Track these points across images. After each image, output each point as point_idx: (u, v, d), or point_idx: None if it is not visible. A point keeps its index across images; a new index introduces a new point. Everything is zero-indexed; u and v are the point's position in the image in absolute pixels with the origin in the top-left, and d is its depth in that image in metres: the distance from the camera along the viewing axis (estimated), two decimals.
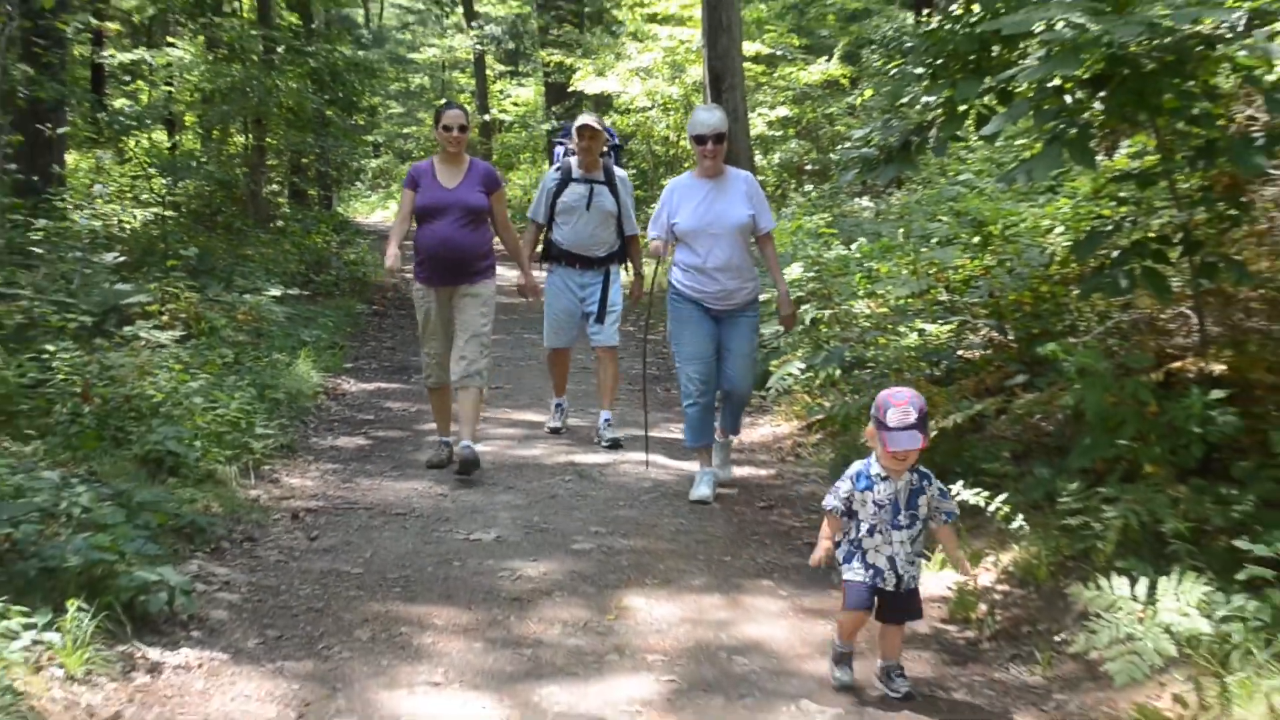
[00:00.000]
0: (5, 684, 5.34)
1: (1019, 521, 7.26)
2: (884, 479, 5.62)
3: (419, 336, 10.25)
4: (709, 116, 9.37)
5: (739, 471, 10.36)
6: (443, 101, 11.90)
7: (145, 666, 6.25)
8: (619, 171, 11.21)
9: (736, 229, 9.18)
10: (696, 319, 9.28)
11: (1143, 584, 5.69)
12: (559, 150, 11.50)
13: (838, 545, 5.80)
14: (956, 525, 6.20)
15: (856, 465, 5.83)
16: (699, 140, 9.28)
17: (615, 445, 11.10)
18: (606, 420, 11.32)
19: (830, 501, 5.77)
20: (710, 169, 9.34)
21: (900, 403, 5.44)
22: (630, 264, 11.59)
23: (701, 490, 9.51)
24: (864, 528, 5.66)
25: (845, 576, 5.69)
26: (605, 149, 11.20)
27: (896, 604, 5.72)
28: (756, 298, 9.53)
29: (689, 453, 10.26)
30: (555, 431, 11.77)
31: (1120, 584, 5.71)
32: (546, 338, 11.50)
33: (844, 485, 5.73)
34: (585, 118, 11.23)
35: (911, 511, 5.62)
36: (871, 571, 5.62)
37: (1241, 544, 5.81)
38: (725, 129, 9.30)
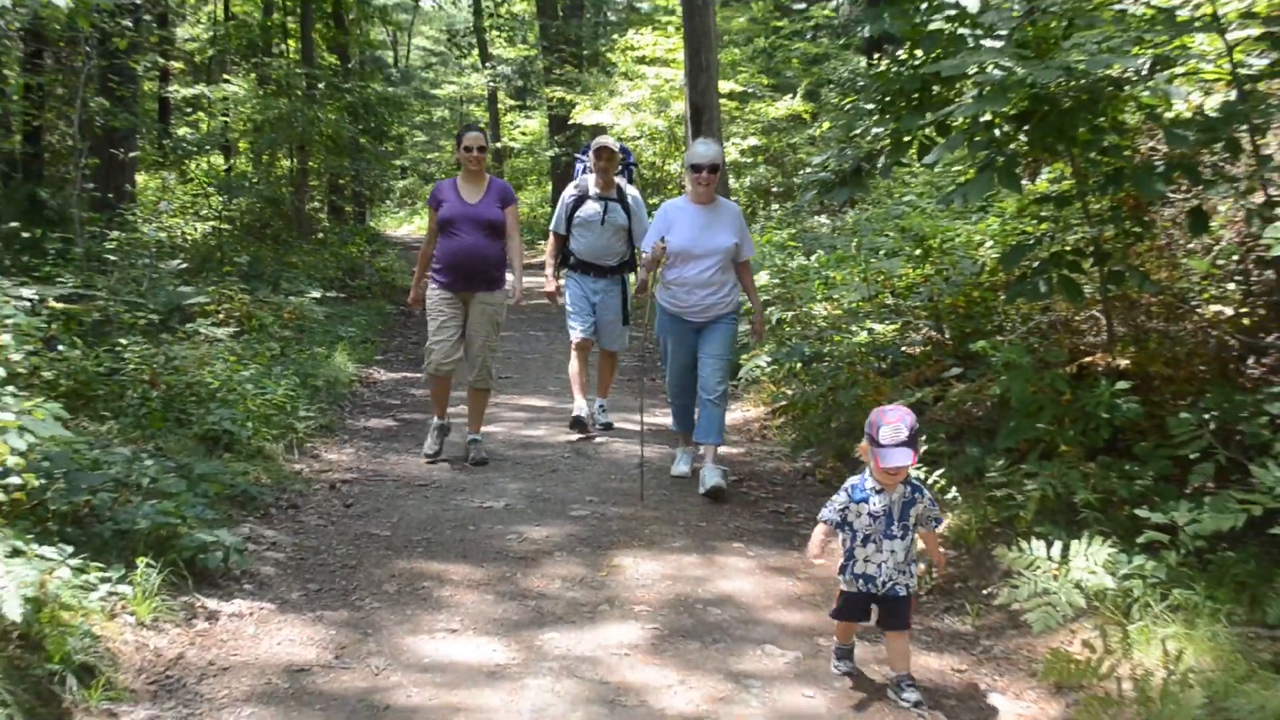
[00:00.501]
0: (85, 629, 5.36)
1: (953, 493, 7.30)
2: (878, 492, 5.32)
3: (430, 333, 9.73)
4: (707, 150, 9.16)
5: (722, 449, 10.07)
6: (465, 124, 11.42)
7: (204, 615, 6.30)
8: (631, 190, 10.98)
9: (721, 253, 8.89)
10: (680, 331, 9.15)
11: (1057, 546, 5.72)
12: (579, 167, 11.25)
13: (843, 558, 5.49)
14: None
15: (852, 479, 5.53)
16: (695, 169, 8.98)
17: (608, 427, 11.03)
18: (601, 406, 11.27)
19: (826, 514, 5.47)
20: (703, 195, 9.03)
21: (892, 420, 5.19)
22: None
23: (680, 468, 9.59)
24: (858, 538, 5.35)
25: (841, 587, 5.45)
26: (620, 168, 10.95)
27: (887, 610, 5.41)
28: (735, 309, 9.24)
29: (672, 436, 10.20)
30: (581, 428, 11.06)
31: (1038, 546, 5.75)
32: (572, 328, 11.06)
33: (840, 498, 5.43)
34: (603, 140, 11.09)
35: (904, 522, 5.32)
36: (862, 580, 5.34)
37: (1142, 513, 5.85)
38: (720, 162, 9.06)
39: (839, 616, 5.50)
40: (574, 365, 11.08)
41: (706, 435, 9.08)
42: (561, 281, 11.31)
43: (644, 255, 9.24)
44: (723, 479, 8.98)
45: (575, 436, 10.98)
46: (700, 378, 9.13)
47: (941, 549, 7.70)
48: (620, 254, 10.93)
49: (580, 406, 11.05)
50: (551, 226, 11.28)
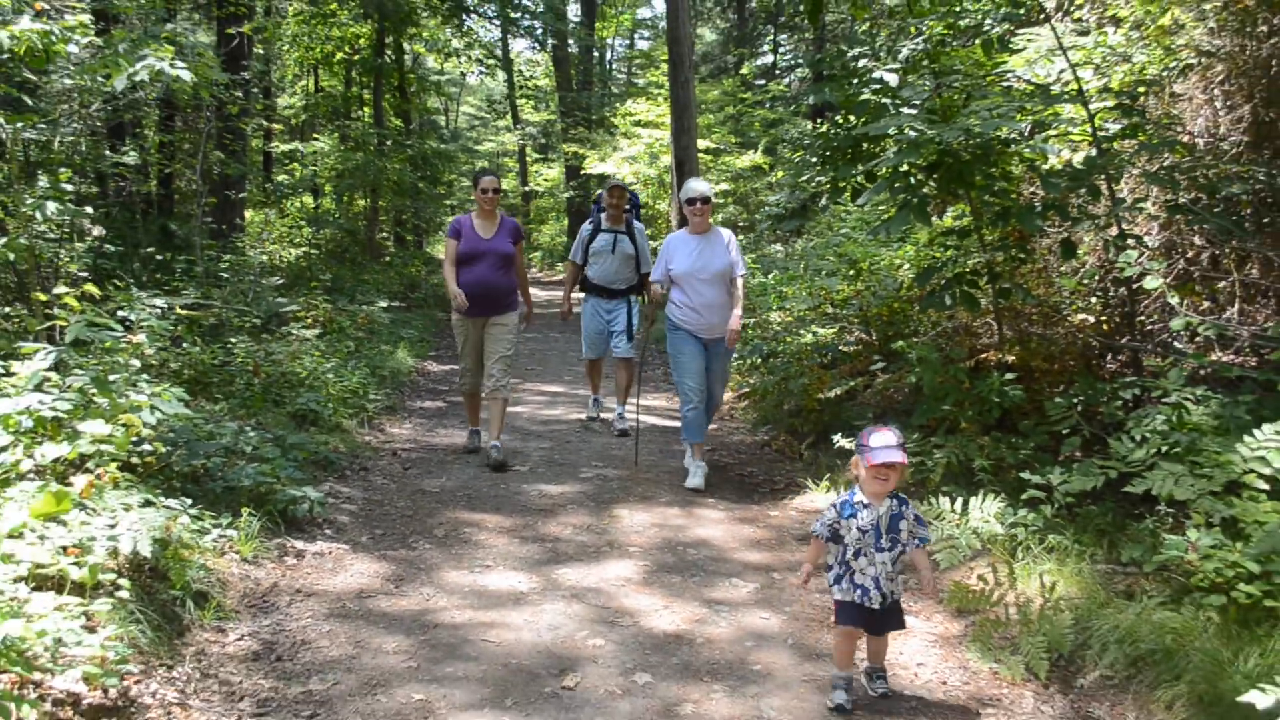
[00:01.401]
0: (200, 563, 5.35)
1: None
2: (866, 506, 4.57)
3: (458, 355, 9.12)
4: (699, 186, 8.41)
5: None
6: (480, 166, 10.35)
7: (293, 553, 6.29)
8: (638, 224, 10.30)
9: (719, 274, 8.07)
10: (691, 345, 8.18)
11: (959, 502, 5.71)
12: (595, 206, 10.50)
13: (828, 569, 4.73)
14: (929, 551, 5.08)
15: (841, 495, 4.75)
16: (690, 202, 8.23)
17: (624, 435, 10.03)
18: (620, 414, 10.31)
19: (817, 527, 4.69)
20: (699, 225, 8.24)
21: (881, 430, 4.58)
22: (645, 294, 10.14)
23: (695, 480, 8.19)
24: (850, 551, 4.59)
25: (836, 596, 4.64)
26: (628, 206, 10.25)
27: (882, 619, 4.65)
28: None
29: (674, 439, 9.55)
30: (592, 419, 10.67)
31: (944, 502, 5.74)
32: (584, 351, 10.46)
33: (829, 514, 4.64)
34: (616, 181, 10.65)
35: (893, 535, 4.57)
36: (859, 591, 4.56)
37: (1025, 476, 5.83)
38: (711, 195, 8.38)
39: (841, 622, 4.69)
40: (590, 373, 10.77)
41: (696, 435, 8.38)
42: (578, 299, 10.55)
43: (654, 286, 8.52)
44: (703, 479, 8.24)
45: (591, 415, 10.73)
46: (710, 391, 8.42)
47: (929, 580, 7.76)
48: (628, 279, 10.17)
49: (595, 400, 10.80)
50: (570, 256, 10.56)
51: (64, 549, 4.23)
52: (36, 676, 3.89)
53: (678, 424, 9.32)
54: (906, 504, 4.67)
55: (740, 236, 19.74)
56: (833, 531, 4.61)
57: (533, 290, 9.84)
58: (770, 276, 12.24)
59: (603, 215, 10.12)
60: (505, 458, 8.76)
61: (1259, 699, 3.49)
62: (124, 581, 4.54)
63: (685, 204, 8.31)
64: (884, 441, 4.51)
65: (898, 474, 4.57)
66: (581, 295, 10.53)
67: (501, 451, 8.77)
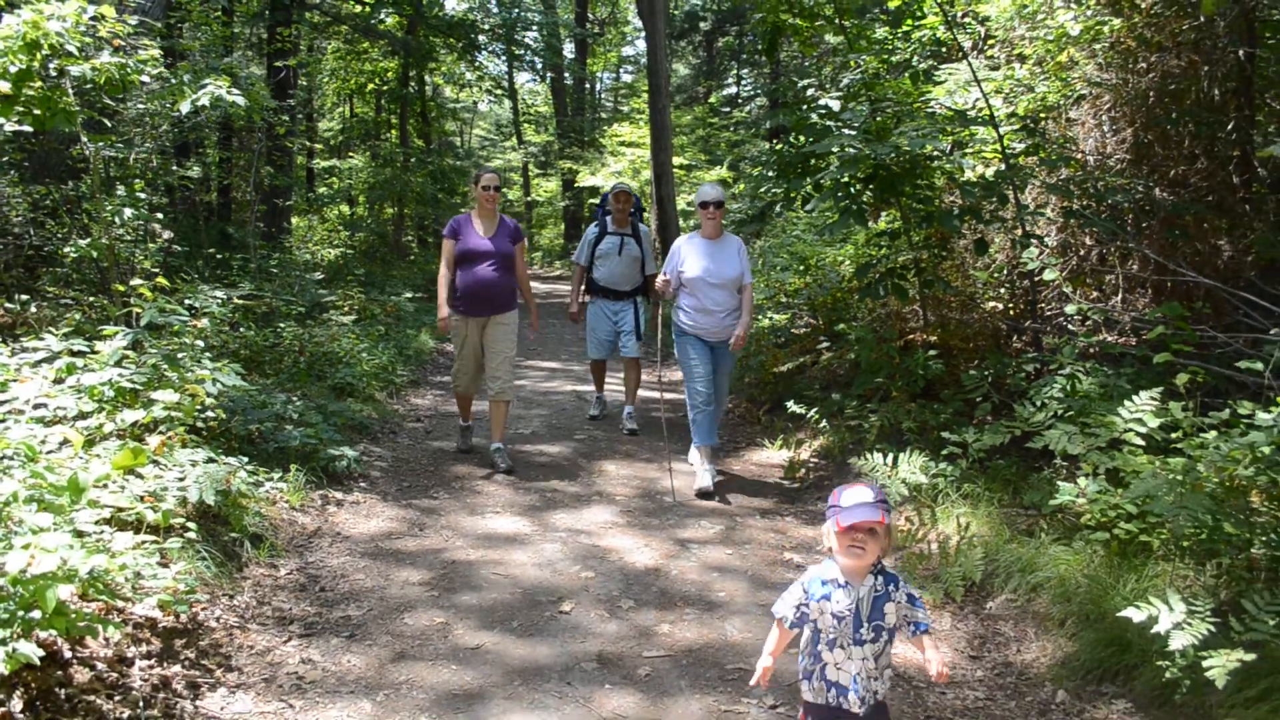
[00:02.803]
0: (255, 511, 5.35)
1: (823, 423, 7.31)
2: (842, 586, 3.04)
3: (455, 357, 7.66)
4: (713, 190, 7.20)
5: (672, 395, 9.97)
6: (482, 167, 8.07)
7: (334, 502, 6.29)
8: (642, 227, 9.02)
9: (730, 281, 6.99)
10: (699, 348, 7.08)
11: (890, 457, 5.74)
12: (599, 210, 9.23)
13: (801, 660, 3.17)
14: (934, 636, 3.46)
15: (811, 570, 3.14)
16: (704, 205, 7.07)
17: (633, 434, 8.75)
18: (629, 413, 8.96)
19: (779, 608, 3.12)
20: (712, 229, 7.09)
21: (854, 485, 3.07)
22: (650, 296, 8.89)
23: (704, 481, 6.99)
24: (822, 639, 3.08)
25: (805, 696, 3.13)
26: (633, 210, 9.00)
27: None
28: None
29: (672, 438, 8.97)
30: (594, 418, 9.30)
31: (878, 457, 5.76)
32: (589, 351, 9.14)
33: (794, 591, 3.09)
34: (621, 185, 9.14)
35: (876, 622, 3.03)
36: (834, 690, 3.04)
37: (945, 435, 5.87)
38: (724, 199, 7.19)
39: None
40: (595, 373, 9.46)
41: (708, 438, 7.19)
42: (584, 300, 9.12)
43: (660, 280, 7.27)
44: (713, 479, 7.05)
45: (593, 414, 9.37)
46: (716, 392, 7.28)
47: (806, 452, 7.80)
48: (634, 280, 8.87)
49: (599, 399, 9.52)
50: (575, 258, 9.29)
51: (141, 497, 4.24)
52: (119, 604, 3.91)
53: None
54: (895, 581, 3.09)
55: None
56: (801, 615, 3.08)
57: (533, 284, 9.26)
58: None
59: (608, 218, 8.92)
60: (513, 464, 7.43)
61: (1134, 614, 3.55)
62: (192, 525, 4.55)
63: (700, 207, 7.15)
64: (858, 498, 3.02)
65: (880, 541, 3.02)
66: (588, 298, 9.28)
67: (508, 455, 7.50)
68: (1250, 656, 3.32)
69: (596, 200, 9.70)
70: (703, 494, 6.88)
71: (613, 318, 8.92)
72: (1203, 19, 6.72)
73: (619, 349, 9.03)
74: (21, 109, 5.87)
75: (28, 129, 6.05)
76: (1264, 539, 4.04)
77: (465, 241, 7.26)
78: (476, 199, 7.43)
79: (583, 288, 9.07)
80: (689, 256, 7.09)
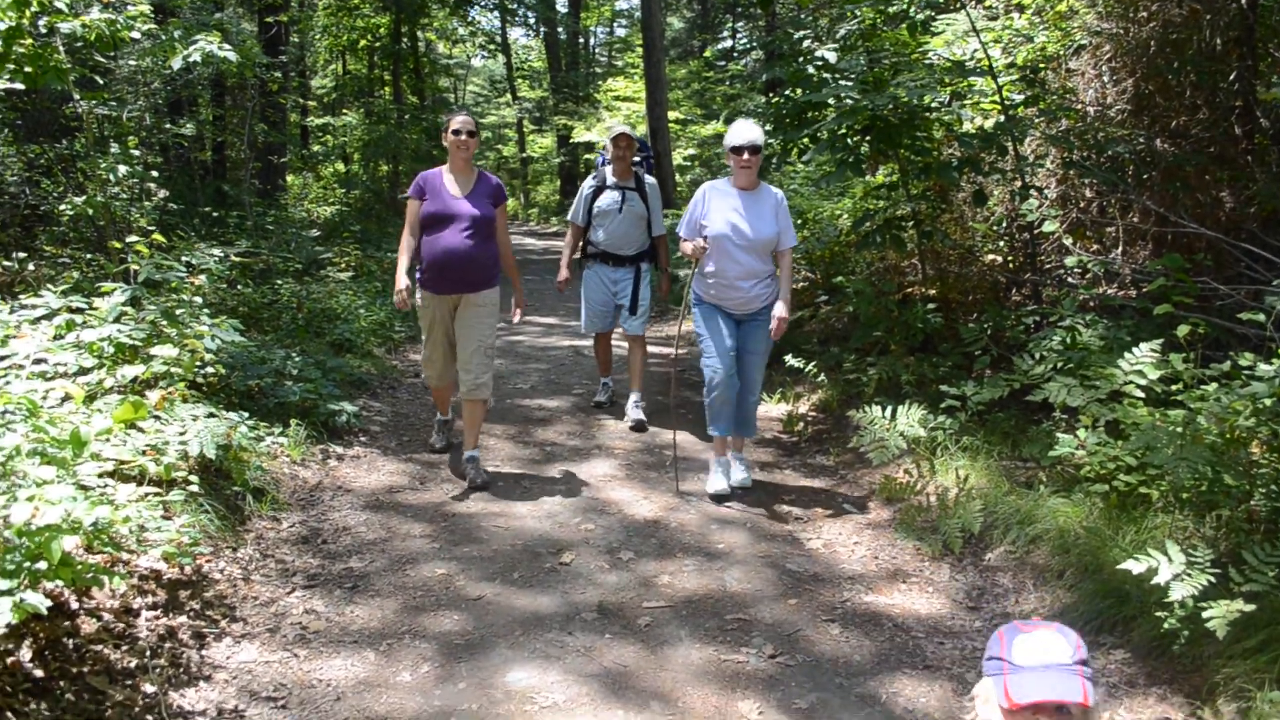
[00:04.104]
0: (257, 465, 5.36)
1: (821, 377, 7.31)
2: None
3: (422, 342, 6.32)
4: (747, 129, 5.68)
5: (669, 350, 9.96)
6: (454, 109, 6.73)
7: (334, 456, 6.30)
8: (649, 179, 7.49)
9: (764, 242, 5.66)
10: (719, 320, 5.83)
11: (889, 410, 5.74)
12: (600, 159, 7.74)
13: None
14: None
15: None
16: (736, 151, 5.64)
17: (640, 427, 7.36)
18: (635, 401, 7.56)
19: None
20: (746, 179, 5.69)
21: (1031, 627, 1.92)
22: (658, 262, 7.67)
23: (716, 483, 5.91)
24: None
25: None
26: (638, 158, 7.50)
27: None
28: (774, 302, 5.78)
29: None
30: (600, 405, 7.89)
31: (876, 410, 5.76)
32: (585, 324, 7.72)
33: None
34: (621, 127, 7.41)
35: None
36: None
37: (943, 388, 5.88)
38: (762, 143, 5.73)
39: None
40: (598, 350, 8.03)
41: (742, 428, 6.06)
42: (568, 274, 7.63)
43: (686, 243, 5.80)
44: (748, 472, 6.08)
45: (599, 400, 7.96)
46: (744, 376, 5.94)
47: (804, 405, 7.85)
48: (639, 243, 7.44)
49: (605, 385, 8.03)
50: (569, 217, 7.76)
51: (143, 450, 4.24)
52: (124, 556, 3.92)
53: None
54: None
55: None
56: None
57: (528, 240, 9.07)
58: None
59: (608, 169, 7.42)
60: (488, 478, 6.04)
61: (1134, 566, 3.57)
62: (194, 478, 4.55)
63: (731, 152, 5.73)
64: (1045, 654, 1.89)
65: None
66: (585, 264, 7.80)
67: (482, 468, 6.09)
68: (1250, 607, 3.35)
69: (594, 156, 7.61)
70: (718, 498, 5.84)
71: (611, 287, 7.53)
72: None
73: (621, 324, 7.65)
74: (13, 67, 5.80)
75: (19, 87, 5.98)
76: (1264, 490, 4.06)
77: (435, 202, 5.84)
78: (449, 149, 5.90)
79: (575, 254, 7.71)
80: (715, 208, 5.75)
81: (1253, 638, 3.45)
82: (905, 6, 7.35)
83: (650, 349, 7.37)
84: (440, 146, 6.19)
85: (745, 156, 5.65)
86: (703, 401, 6.06)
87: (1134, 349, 4.98)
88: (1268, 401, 4.09)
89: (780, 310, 5.70)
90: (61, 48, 6.34)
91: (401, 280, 5.83)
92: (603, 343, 7.94)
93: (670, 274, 7.24)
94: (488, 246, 5.93)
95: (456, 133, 5.85)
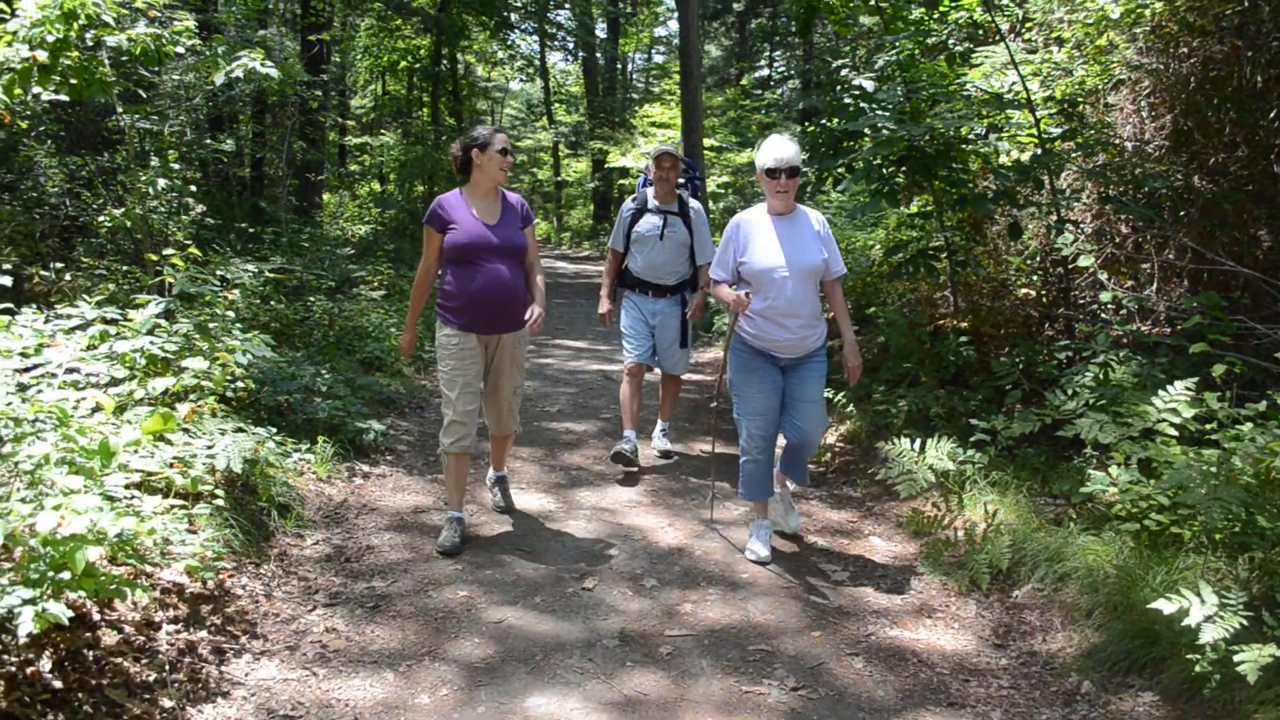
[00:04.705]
0: (283, 481, 5.38)
1: (850, 407, 7.25)
2: None
3: (443, 389, 5.29)
4: (783, 148, 5.00)
5: (697, 376, 9.97)
6: (487, 126, 5.42)
7: (360, 474, 6.31)
8: (694, 203, 6.88)
9: (808, 272, 5.01)
10: (762, 370, 5.15)
11: (918, 443, 5.67)
12: (641, 180, 7.14)
13: None
14: None
15: None
16: (771, 174, 4.99)
17: (666, 456, 7.22)
18: (662, 429, 7.33)
19: None
20: (782, 204, 5.07)
21: None
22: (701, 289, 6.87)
23: (757, 549, 5.28)
24: None
25: None
26: (682, 180, 6.93)
27: None
28: (824, 343, 5.28)
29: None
30: (622, 459, 6.70)
31: (904, 442, 5.69)
32: (626, 352, 6.88)
33: None
34: (663, 147, 6.84)
35: None
36: None
37: (974, 422, 5.81)
38: (799, 162, 5.08)
39: None
40: (625, 391, 6.97)
41: (797, 477, 5.60)
42: (610, 305, 7.10)
43: (724, 290, 5.14)
44: (768, 544, 5.33)
45: (619, 460, 6.77)
46: (798, 429, 5.22)
47: (832, 436, 7.80)
48: (680, 272, 6.82)
49: (628, 438, 6.83)
50: (610, 243, 7.16)
51: (170, 463, 4.26)
52: (148, 568, 3.93)
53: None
54: None
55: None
56: None
57: (560, 264, 9.10)
58: None
59: (649, 191, 6.86)
60: (512, 501, 5.87)
61: (1165, 606, 3.50)
62: (220, 492, 4.57)
63: (765, 175, 5.08)
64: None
65: None
66: (622, 293, 7.10)
67: (509, 490, 5.91)
68: None
69: (631, 180, 6.89)
70: (759, 562, 5.25)
71: (650, 320, 6.88)
72: (1246, 4, 6.59)
73: (657, 362, 7.04)
74: (59, 79, 5.89)
75: (65, 99, 6.08)
76: None
77: (464, 232, 5.10)
78: (483, 169, 5.18)
79: (613, 280, 7.09)
80: (752, 240, 5.10)
81: None
82: (944, 38, 7.33)
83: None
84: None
85: (783, 180, 5.01)
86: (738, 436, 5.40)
87: (1168, 387, 4.91)
88: None
89: (851, 356, 5.26)
90: (107, 61, 6.43)
91: (411, 333, 5.41)
92: (633, 382, 6.93)
93: (705, 294, 6.69)
94: (522, 276, 5.31)
95: (504, 152, 5.16)
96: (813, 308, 5.10)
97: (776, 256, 5.02)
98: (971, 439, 5.75)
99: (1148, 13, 6.82)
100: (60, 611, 2.95)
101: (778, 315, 5.04)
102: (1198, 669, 3.51)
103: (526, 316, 5.19)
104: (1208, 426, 4.73)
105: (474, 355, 5.23)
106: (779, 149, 5.02)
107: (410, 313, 5.47)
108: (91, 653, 3.38)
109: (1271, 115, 6.70)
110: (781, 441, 5.47)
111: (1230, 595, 3.52)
